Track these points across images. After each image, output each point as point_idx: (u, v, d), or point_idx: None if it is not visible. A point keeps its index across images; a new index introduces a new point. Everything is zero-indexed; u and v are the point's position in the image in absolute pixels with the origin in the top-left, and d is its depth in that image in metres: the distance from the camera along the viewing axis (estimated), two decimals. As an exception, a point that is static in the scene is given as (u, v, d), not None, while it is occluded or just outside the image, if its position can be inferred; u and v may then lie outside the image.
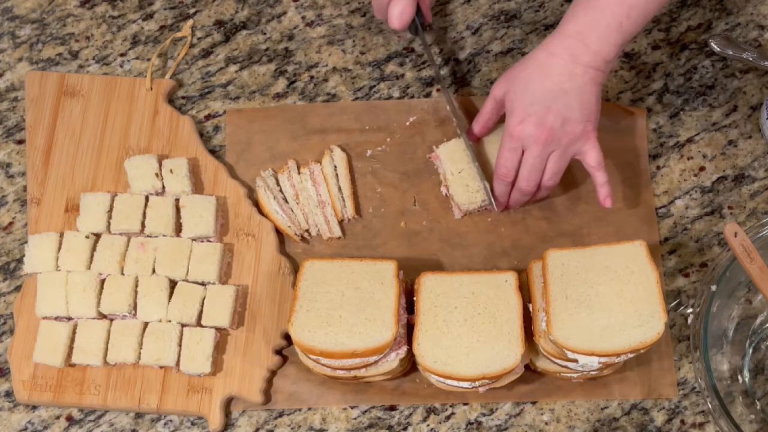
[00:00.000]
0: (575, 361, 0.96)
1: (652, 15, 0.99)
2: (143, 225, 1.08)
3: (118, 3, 1.23)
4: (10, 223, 1.13)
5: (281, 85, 1.18)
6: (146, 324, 1.05)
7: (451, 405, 1.05)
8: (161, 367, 1.05)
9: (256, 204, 1.11)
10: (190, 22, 1.21)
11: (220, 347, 1.05)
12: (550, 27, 1.20)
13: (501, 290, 0.99)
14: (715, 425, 1.02)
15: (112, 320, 1.05)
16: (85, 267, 1.06)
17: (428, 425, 1.04)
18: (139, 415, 1.05)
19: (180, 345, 1.04)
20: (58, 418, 1.06)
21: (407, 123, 1.15)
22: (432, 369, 0.96)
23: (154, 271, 1.06)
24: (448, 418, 1.05)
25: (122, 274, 1.06)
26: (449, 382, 0.97)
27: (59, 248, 1.07)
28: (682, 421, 1.04)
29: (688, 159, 1.14)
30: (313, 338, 0.96)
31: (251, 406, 1.05)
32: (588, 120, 1.00)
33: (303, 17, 1.21)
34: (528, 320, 1.00)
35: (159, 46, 1.20)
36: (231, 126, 1.16)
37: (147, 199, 1.09)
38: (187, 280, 1.06)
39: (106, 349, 1.04)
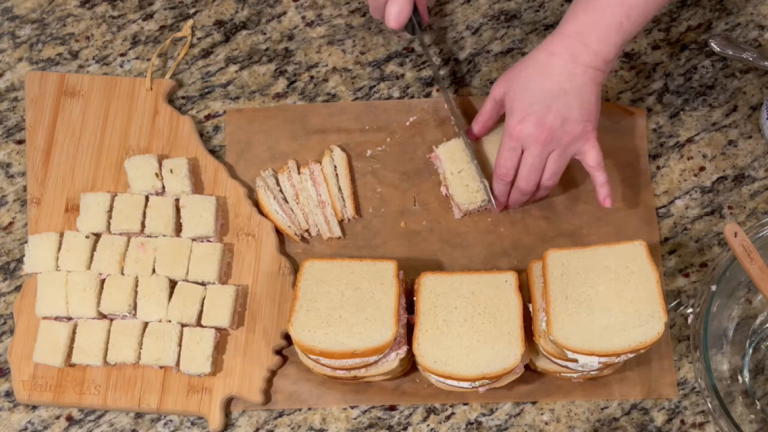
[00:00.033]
0: (575, 361, 0.96)
1: (652, 15, 0.99)
2: (143, 225, 1.08)
3: (118, 3, 1.23)
4: (10, 223, 1.13)
5: (281, 85, 1.18)
6: (146, 324, 1.05)
7: (451, 405, 1.05)
8: (161, 367, 1.05)
9: (256, 204, 1.11)
10: (190, 22, 1.21)
11: (220, 347, 1.05)
12: (550, 27, 1.20)
13: (501, 290, 0.99)
14: (715, 425, 1.02)
15: (112, 320, 1.05)
16: (85, 267, 1.06)
17: (428, 425, 1.04)
18: (139, 415, 1.05)
19: (180, 345, 1.04)
20: (58, 418, 1.06)
21: (407, 123, 1.15)
22: (432, 369, 0.96)
23: (154, 271, 1.06)
24: (448, 418, 1.05)
25: (122, 274, 1.06)
26: (449, 382, 0.97)
27: (59, 248, 1.07)
28: (682, 421, 1.04)
29: (688, 159, 1.14)
30: (313, 338, 0.96)
31: (251, 406, 1.05)
32: (588, 120, 1.00)
33: (303, 17, 1.21)
34: (528, 320, 1.00)
35: (159, 46, 1.20)
36: (231, 126, 1.16)
37: (147, 199, 1.09)
38: (187, 280, 1.06)
39: (106, 349, 1.04)
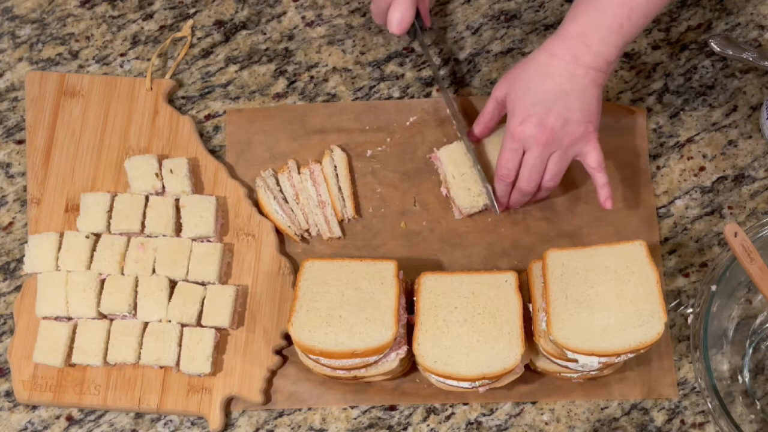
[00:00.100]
0: (575, 361, 0.96)
1: (653, 16, 0.99)
2: (143, 225, 1.08)
3: (118, 3, 1.22)
4: (10, 223, 1.13)
5: (281, 85, 1.18)
6: (146, 324, 1.05)
7: (451, 405, 1.05)
8: (161, 367, 1.05)
9: (256, 204, 1.11)
10: (190, 22, 1.21)
11: (220, 347, 1.05)
12: (550, 27, 1.20)
13: (501, 290, 0.99)
14: (715, 425, 1.02)
15: (112, 320, 1.05)
16: (85, 267, 1.06)
17: (428, 425, 1.04)
18: (139, 415, 1.05)
19: (180, 345, 1.04)
20: (58, 418, 1.06)
21: (407, 123, 1.15)
22: (432, 369, 0.96)
23: (154, 271, 1.06)
24: (448, 418, 1.05)
25: (122, 274, 1.06)
26: (449, 382, 0.97)
27: (59, 248, 1.07)
28: (682, 421, 1.04)
29: (688, 159, 1.14)
30: (313, 338, 0.96)
31: (251, 406, 1.05)
32: (589, 121, 1.00)
33: (303, 17, 1.21)
34: (528, 320, 1.00)
35: (159, 46, 1.20)
36: (231, 126, 1.16)
37: (147, 199, 1.09)
38: (187, 280, 1.06)
39: (106, 349, 1.04)
